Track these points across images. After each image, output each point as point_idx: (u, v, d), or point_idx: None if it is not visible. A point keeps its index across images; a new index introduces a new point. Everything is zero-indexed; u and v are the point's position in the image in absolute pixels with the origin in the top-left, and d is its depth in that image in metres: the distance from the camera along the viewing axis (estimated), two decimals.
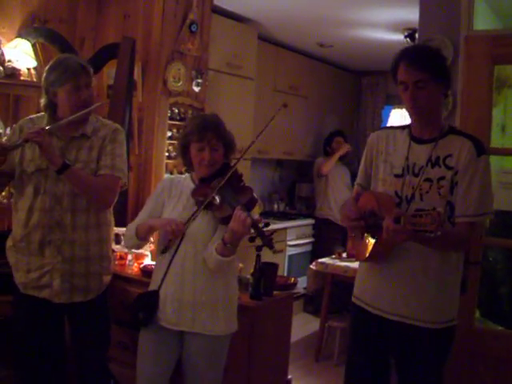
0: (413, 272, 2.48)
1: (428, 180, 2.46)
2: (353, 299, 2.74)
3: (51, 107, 2.96)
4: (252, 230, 2.56)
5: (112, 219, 3.15)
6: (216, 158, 2.82)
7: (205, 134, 2.78)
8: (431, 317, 2.48)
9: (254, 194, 2.78)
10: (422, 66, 2.40)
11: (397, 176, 2.55)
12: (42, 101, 2.98)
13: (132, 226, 2.95)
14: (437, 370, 2.56)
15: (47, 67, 2.96)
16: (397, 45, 5.90)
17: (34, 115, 3.12)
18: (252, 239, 2.56)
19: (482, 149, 2.45)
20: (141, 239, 2.92)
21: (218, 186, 2.71)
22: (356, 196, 2.75)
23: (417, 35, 4.28)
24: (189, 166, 2.95)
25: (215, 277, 2.78)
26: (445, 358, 2.57)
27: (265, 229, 2.55)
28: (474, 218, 2.43)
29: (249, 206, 2.69)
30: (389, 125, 7.47)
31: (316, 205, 7.05)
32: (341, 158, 6.88)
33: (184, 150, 2.89)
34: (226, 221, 2.66)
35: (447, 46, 3.52)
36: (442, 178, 2.45)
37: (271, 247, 2.51)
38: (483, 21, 3.71)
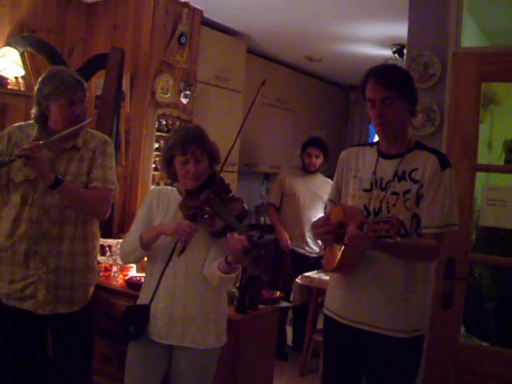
0: (380, 281, 2.53)
1: (394, 193, 2.54)
2: (324, 310, 2.78)
3: (42, 118, 2.92)
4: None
5: (98, 232, 3.13)
6: (201, 170, 2.79)
7: (188, 147, 2.75)
8: (398, 326, 2.52)
9: (245, 205, 2.75)
10: (389, 84, 2.50)
11: (365, 190, 2.62)
12: (33, 112, 2.93)
13: (131, 240, 2.84)
14: (408, 381, 2.59)
15: (40, 79, 2.92)
16: (385, 60, 6.02)
17: (23, 123, 3.07)
18: (247, 252, 2.53)
19: (446, 162, 2.54)
20: (146, 250, 2.79)
21: (206, 199, 2.68)
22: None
23: (405, 51, 4.30)
24: (173, 179, 2.91)
25: (206, 290, 2.76)
26: (415, 369, 2.61)
27: (259, 240, 2.53)
28: (438, 230, 2.50)
29: (241, 218, 2.68)
30: (375, 140, 7.50)
31: None
32: (310, 171, 5.67)
33: (168, 164, 2.85)
34: (219, 234, 2.64)
35: (435, 62, 3.54)
36: (408, 191, 2.52)
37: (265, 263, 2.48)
38: (471, 38, 3.74)
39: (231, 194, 2.81)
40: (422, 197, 2.51)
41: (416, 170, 2.54)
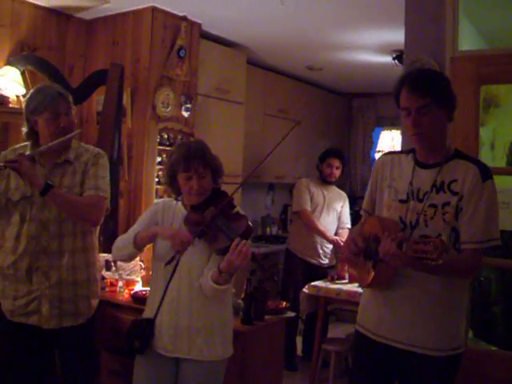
0: (416, 298, 2.42)
1: (432, 206, 2.41)
2: (356, 326, 2.67)
3: (33, 135, 2.98)
4: (252, 263, 2.55)
5: (97, 243, 3.14)
6: (204, 185, 2.79)
7: (191, 164, 2.75)
8: (436, 344, 2.41)
9: (250, 223, 2.73)
10: (424, 92, 2.36)
11: (401, 201, 2.49)
12: (24, 129, 3.00)
13: (126, 236, 2.88)
14: None
15: (27, 96, 3.00)
16: (385, 66, 6.05)
17: (18, 145, 3.12)
18: (253, 272, 2.53)
19: (487, 173, 2.41)
20: (137, 248, 2.82)
21: (211, 217, 2.68)
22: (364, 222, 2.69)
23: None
24: (178, 194, 2.92)
25: (210, 302, 2.75)
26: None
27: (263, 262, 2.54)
28: (480, 245, 2.37)
29: (245, 236, 2.65)
30: (379, 147, 7.48)
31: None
32: (329, 182, 5.68)
33: (171, 180, 2.86)
34: (222, 252, 2.62)
35: (433, 66, 3.52)
36: (447, 203, 2.39)
37: (273, 280, 2.47)
38: (468, 41, 3.74)
39: (235, 210, 2.80)
40: (461, 210, 2.37)
41: (456, 181, 2.40)
